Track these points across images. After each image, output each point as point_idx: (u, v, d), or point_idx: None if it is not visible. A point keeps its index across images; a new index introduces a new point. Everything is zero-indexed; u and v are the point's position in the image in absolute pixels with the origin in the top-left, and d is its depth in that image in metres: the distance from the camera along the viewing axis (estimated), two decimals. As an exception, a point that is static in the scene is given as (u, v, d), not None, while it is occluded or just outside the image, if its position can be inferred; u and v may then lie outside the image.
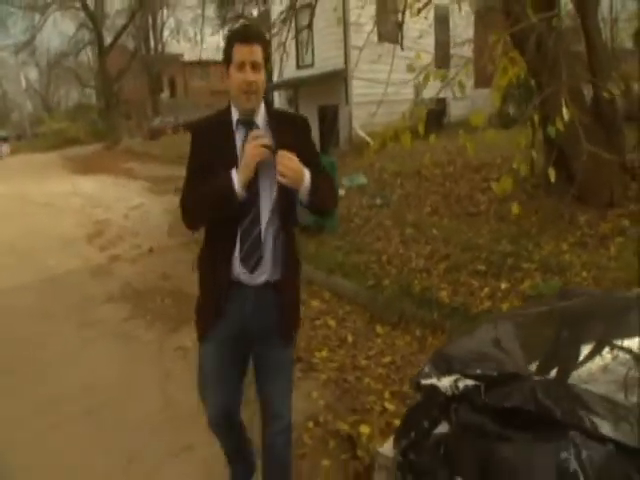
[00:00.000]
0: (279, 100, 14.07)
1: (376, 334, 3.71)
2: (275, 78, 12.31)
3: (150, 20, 24.20)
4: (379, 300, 4.04)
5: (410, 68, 3.21)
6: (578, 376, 1.33)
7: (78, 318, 4.40)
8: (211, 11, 19.41)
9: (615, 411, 1.15)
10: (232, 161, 1.74)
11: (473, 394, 1.38)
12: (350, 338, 3.65)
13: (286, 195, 1.77)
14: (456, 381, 1.44)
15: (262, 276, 1.81)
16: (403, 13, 4.56)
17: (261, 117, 1.82)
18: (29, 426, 2.88)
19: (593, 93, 6.23)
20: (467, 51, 12.75)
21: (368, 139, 12.23)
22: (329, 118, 11.93)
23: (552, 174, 3.09)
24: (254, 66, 1.70)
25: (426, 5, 4.19)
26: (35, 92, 41.62)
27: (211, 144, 1.80)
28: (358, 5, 9.73)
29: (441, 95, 13.46)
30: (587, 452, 1.07)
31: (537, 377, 1.33)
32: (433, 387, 1.50)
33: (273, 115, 1.84)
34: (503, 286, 4.10)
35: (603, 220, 5.40)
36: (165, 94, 34.31)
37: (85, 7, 22.06)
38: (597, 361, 1.41)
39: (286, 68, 11.80)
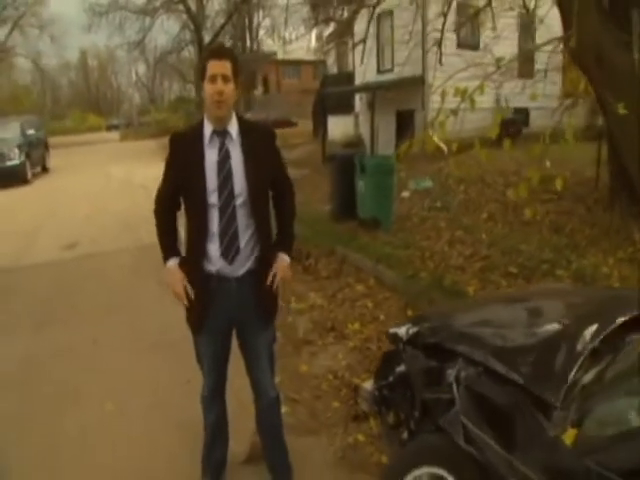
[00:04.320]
0: (360, 103, 14.67)
1: (406, 317, 4.23)
2: (357, 82, 12.90)
3: (247, 20, 25.78)
4: (414, 289, 4.54)
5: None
6: (484, 328, 1.84)
7: (159, 277, 5.39)
8: (304, 12, 20.32)
9: (488, 347, 1.66)
10: (202, 172, 2.01)
11: (417, 337, 1.93)
12: (382, 317, 4.20)
13: (257, 193, 2.05)
14: (408, 329, 1.99)
15: (241, 268, 2.07)
16: (442, 31, 4.96)
17: (234, 127, 2.06)
18: (128, 349, 3.92)
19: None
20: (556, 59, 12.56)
21: (442, 145, 12.49)
22: (406, 122, 12.33)
23: (559, 183, 3.40)
24: (224, 78, 1.94)
25: (465, 23, 4.57)
26: (143, 85, 45.57)
27: (183, 156, 2.07)
28: (438, 12, 10.08)
29: (523, 105, 13.26)
30: (464, 372, 1.60)
31: (460, 327, 1.86)
32: (395, 334, 2.06)
33: (245, 126, 2.10)
34: (530, 288, 4.43)
35: (661, 239, 5.42)
36: (258, 91, 36.08)
37: (188, 10, 24.45)
38: (509, 323, 1.91)
39: (367, 72, 12.40)
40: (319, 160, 12.93)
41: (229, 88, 1.97)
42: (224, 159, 2.04)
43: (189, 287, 2.12)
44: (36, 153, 15.24)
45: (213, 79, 1.95)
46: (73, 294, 5.32)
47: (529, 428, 1.38)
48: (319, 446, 2.69)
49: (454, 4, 10.33)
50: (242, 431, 2.60)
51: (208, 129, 2.05)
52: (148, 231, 2.25)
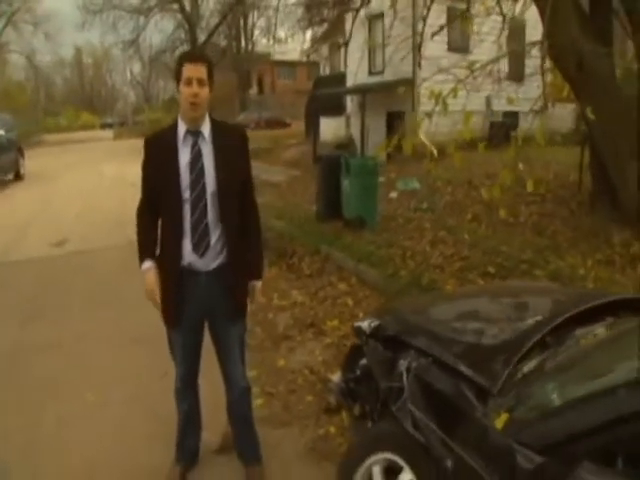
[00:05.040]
0: (351, 104, 14.77)
1: (384, 315, 4.33)
2: (349, 83, 13.00)
3: (242, 21, 25.87)
4: (393, 288, 4.64)
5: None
6: (438, 321, 1.94)
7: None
8: (299, 14, 20.41)
9: (438, 339, 1.76)
10: (176, 169, 2.10)
11: (378, 330, 2.02)
12: (361, 315, 4.28)
13: (227, 191, 2.14)
14: (370, 322, 2.08)
15: (212, 262, 2.17)
16: (422, 35, 5.05)
17: (206, 128, 2.15)
18: (111, 343, 4.03)
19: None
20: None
21: (431, 147, 12.63)
22: (396, 124, 12.45)
23: (530, 185, 3.48)
24: (200, 82, 2.03)
25: (441, 30, 4.68)
26: (137, 83, 45.55)
27: (158, 157, 2.16)
28: (430, 15, 10.17)
29: (514, 108, 13.39)
30: (415, 362, 1.69)
31: (416, 320, 1.95)
32: (359, 327, 2.15)
33: (217, 127, 2.19)
34: (506, 287, 4.53)
35: (639, 242, 5.51)
36: (253, 91, 36.15)
37: (182, 10, 24.57)
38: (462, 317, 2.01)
39: (359, 74, 12.49)
40: (310, 161, 13.03)
41: (204, 91, 2.07)
42: (196, 157, 2.14)
43: (158, 296, 2.21)
44: (5, 158, 12.72)
45: (189, 82, 2.04)
46: (60, 290, 5.40)
47: (467, 413, 1.47)
48: (290, 437, 2.77)
49: (443, 10, 10.47)
50: (217, 421, 2.68)
51: (182, 129, 2.15)
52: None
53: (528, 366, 1.58)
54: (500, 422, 1.35)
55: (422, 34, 5.28)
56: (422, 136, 11.62)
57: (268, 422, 2.87)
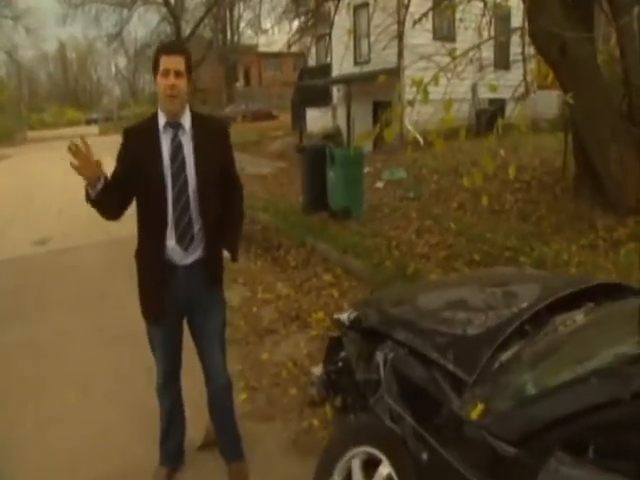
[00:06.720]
0: (337, 95, 14.67)
1: (370, 306, 4.30)
2: (334, 74, 12.89)
3: (228, 13, 25.60)
4: (379, 278, 4.61)
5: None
6: (416, 312, 1.91)
7: (130, 272, 5.36)
8: (284, 4, 20.21)
9: (415, 330, 1.73)
10: (157, 161, 2.06)
11: (356, 322, 1.99)
12: (346, 306, 4.26)
13: (207, 185, 2.13)
14: (350, 314, 2.05)
15: (190, 256, 2.15)
16: (403, 24, 4.99)
17: (187, 121, 2.13)
18: (93, 342, 3.94)
19: (626, 98, 6.28)
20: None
21: (417, 136, 12.58)
22: (382, 114, 12.38)
23: (512, 171, 3.44)
24: (177, 74, 2.01)
25: (422, 18, 4.63)
26: (123, 78, 45.00)
27: (138, 148, 2.11)
28: (414, 3, 10.07)
29: (500, 95, 13.38)
30: (392, 352, 1.66)
31: (393, 311, 1.92)
32: (338, 320, 2.12)
33: (197, 120, 2.16)
34: (491, 275, 4.52)
35: (622, 226, 5.53)
36: (240, 83, 35.85)
37: (166, 3, 24.17)
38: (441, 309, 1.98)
39: (344, 63, 12.40)
40: (296, 153, 12.96)
41: (181, 83, 2.04)
42: (177, 150, 2.11)
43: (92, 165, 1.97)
44: None
45: (165, 73, 2.02)
46: (42, 289, 5.30)
47: (443, 405, 1.44)
48: (274, 431, 2.74)
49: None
50: (199, 417, 2.64)
51: (162, 121, 2.12)
52: (121, 226, 2.23)
53: (505, 355, 1.56)
54: (475, 413, 1.32)
55: (403, 22, 5.22)
56: (408, 125, 11.61)
57: (252, 416, 2.85)
